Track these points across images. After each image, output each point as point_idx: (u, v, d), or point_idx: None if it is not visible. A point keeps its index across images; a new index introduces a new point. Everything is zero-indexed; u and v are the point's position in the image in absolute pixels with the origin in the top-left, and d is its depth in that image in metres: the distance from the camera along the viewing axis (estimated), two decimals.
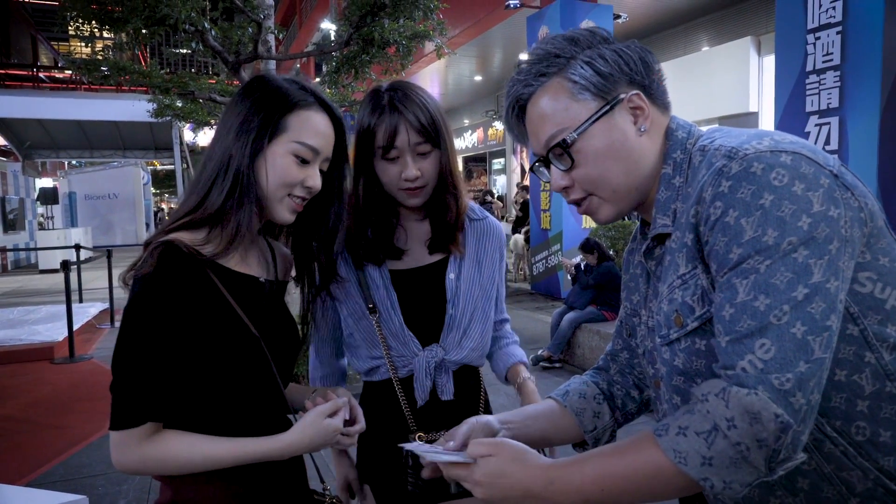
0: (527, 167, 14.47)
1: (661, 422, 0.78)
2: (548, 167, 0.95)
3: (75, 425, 4.18)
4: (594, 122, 0.88)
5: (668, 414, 0.92)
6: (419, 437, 1.29)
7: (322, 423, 1.04)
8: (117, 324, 7.33)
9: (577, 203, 0.95)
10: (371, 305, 1.31)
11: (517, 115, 0.97)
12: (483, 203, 11.28)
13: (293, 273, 1.24)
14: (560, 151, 0.90)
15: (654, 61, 0.92)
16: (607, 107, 0.88)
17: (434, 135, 1.25)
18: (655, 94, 0.91)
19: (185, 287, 0.96)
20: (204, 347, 0.98)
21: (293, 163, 1.05)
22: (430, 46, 6.10)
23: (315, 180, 1.07)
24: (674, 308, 0.85)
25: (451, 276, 1.35)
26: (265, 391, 1.08)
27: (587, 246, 5.43)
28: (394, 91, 1.26)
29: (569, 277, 6.14)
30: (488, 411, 1.44)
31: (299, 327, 1.21)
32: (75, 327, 6.17)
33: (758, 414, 0.68)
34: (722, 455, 0.70)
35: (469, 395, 1.41)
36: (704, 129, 0.94)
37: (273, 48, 5.64)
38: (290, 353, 1.15)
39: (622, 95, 0.88)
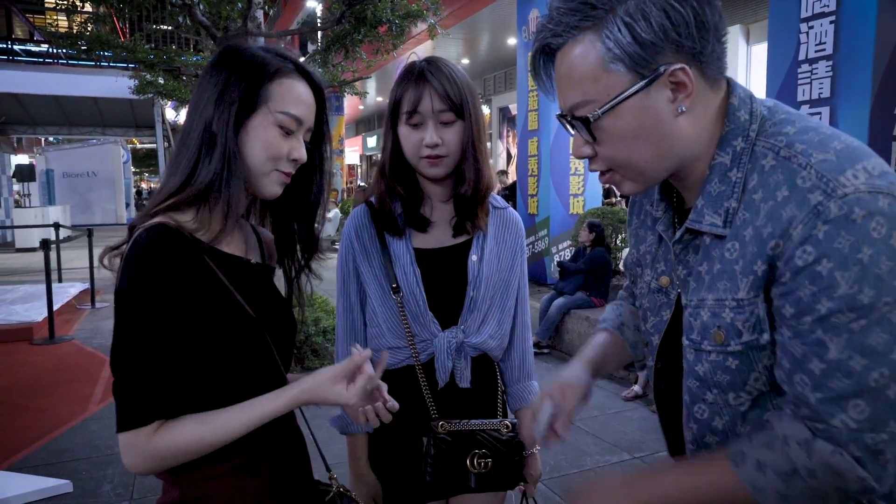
0: (513, 152, 14.41)
1: (734, 446, 0.81)
2: (573, 126, 0.85)
3: (56, 408, 4.11)
4: (624, 100, 0.77)
5: (653, 378, 0.99)
6: (441, 425, 1.27)
7: (322, 375, 0.96)
8: (98, 304, 7.34)
9: (601, 172, 0.88)
10: (395, 285, 1.31)
11: (545, 62, 0.85)
12: None
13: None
14: (583, 125, 0.82)
15: (713, 20, 0.76)
16: (642, 83, 0.76)
17: (458, 105, 1.26)
18: (708, 61, 0.78)
19: (183, 272, 0.92)
20: (205, 336, 0.94)
21: (279, 134, 1.00)
22: (418, 28, 6.02)
23: (301, 152, 1.04)
24: (716, 324, 0.82)
25: (473, 258, 1.35)
26: (267, 379, 1.04)
27: (592, 224, 5.46)
28: (427, 63, 1.29)
29: (555, 266, 6.14)
30: (505, 408, 1.44)
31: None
32: (55, 307, 6.05)
33: (842, 474, 0.71)
34: (800, 495, 0.74)
35: (486, 387, 1.40)
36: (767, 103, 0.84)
37: (262, 24, 5.51)
38: (288, 338, 1.11)
39: (662, 68, 0.75)
